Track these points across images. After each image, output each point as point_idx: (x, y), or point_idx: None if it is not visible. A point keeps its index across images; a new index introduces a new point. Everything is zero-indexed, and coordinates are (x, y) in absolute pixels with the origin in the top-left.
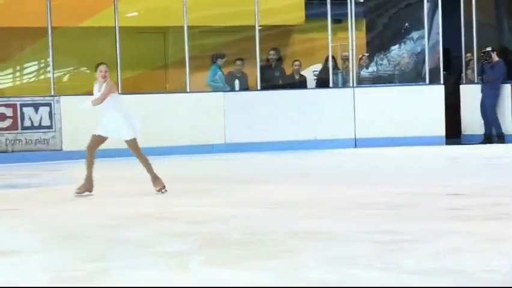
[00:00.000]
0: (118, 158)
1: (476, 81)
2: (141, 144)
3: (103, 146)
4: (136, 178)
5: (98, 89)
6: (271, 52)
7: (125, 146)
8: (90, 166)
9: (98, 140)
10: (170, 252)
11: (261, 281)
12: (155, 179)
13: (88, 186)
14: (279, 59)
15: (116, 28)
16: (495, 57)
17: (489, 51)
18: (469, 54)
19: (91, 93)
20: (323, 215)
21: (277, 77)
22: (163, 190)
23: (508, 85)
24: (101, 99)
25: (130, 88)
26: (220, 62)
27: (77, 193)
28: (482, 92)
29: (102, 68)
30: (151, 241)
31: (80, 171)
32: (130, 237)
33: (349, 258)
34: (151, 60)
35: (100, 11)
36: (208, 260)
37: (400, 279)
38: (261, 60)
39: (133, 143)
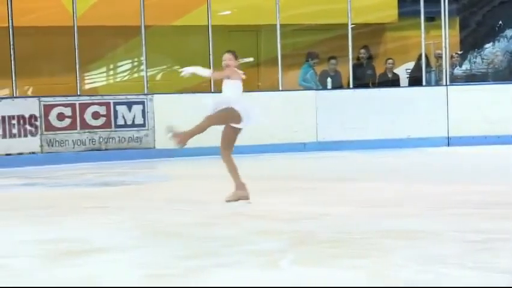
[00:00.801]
0: (203, 156)
1: None
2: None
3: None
4: (229, 176)
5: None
6: (362, 51)
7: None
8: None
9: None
10: (261, 250)
11: (352, 280)
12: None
13: (241, 194)
14: (370, 57)
15: (209, 27)
16: None
17: None
18: None
19: (183, 91)
20: (415, 213)
21: (369, 75)
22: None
23: None
24: (219, 75)
25: None
26: (312, 62)
27: (228, 200)
28: None
29: (225, 57)
30: (243, 239)
31: (173, 168)
32: (222, 235)
33: (441, 257)
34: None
35: (192, 9)
36: (299, 258)
37: (492, 279)
38: (354, 59)
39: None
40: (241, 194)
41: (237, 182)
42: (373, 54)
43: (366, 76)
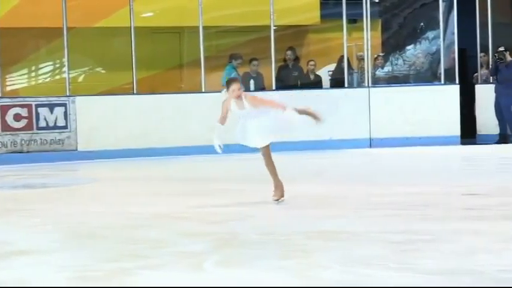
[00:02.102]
0: (126, 158)
1: (491, 81)
2: (157, 144)
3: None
4: (154, 178)
5: (236, 106)
6: (288, 52)
7: (143, 146)
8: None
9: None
10: (186, 252)
11: (275, 281)
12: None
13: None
14: (296, 59)
15: (132, 28)
16: (508, 57)
17: (502, 51)
18: (482, 54)
19: (105, 93)
20: (339, 214)
21: (295, 77)
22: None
23: None
24: (278, 106)
25: (145, 88)
26: (235, 63)
27: (275, 200)
28: (496, 92)
29: (235, 87)
30: (167, 241)
31: (96, 171)
32: (146, 237)
33: (365, 258)
34: (167, 61)
35: (115, 11)
36: (224, 260)
37: (416, 279)
38: (276, 60)
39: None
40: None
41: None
42: (299, 56)
43: (292, 77)
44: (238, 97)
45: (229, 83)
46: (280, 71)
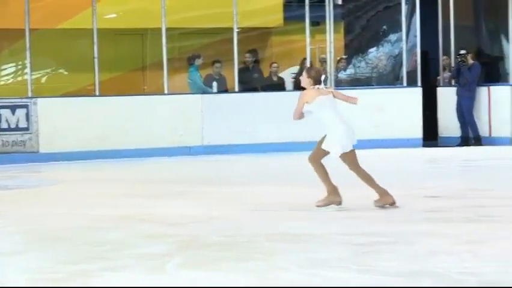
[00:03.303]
0: (99, 160)
1: (453, 84)
2: (119, 146)
3: (84, 148)
4: (118, 179)
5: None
6: (247, 55)
7: (106, 147)
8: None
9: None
10: (148, 254)
11: (237, 283)
12: (382, 194)
13: (332, 198)
14: (256, 61)
15: (95, 30)
16: (470, 60)
17: (464, 53)
18: (444, 57)
19: (68, 95)
20: (302, 217)
21: (255, 79)
22: (387, 205)
23: (485, 88)
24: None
25: (108, 90)
26: (198, 62)
27: (318, 206)
28: (457, 94)
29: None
30: (130, 243)
31: (58, 172)
32: (109, 239)
33: (327, 260)
34: (129, 62)
35: (78, 12)
36: (185, 262)
37: (378, 281)
38: (239, 63)
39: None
40: (333, 198)
41: (329, 187)
42: (260, 59)
43: (253, 80)
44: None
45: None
46: (240, 73)
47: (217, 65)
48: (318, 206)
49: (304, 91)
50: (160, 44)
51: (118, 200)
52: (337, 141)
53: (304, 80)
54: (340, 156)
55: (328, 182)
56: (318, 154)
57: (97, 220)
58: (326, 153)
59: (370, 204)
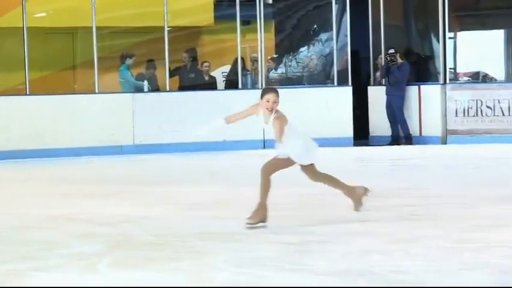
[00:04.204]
0: (30, 159)
1: (383, 83)
2: (50, 145)
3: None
4: (48, 179)
5: (263, 118)
6: (184, 55)
7: (37, 147)
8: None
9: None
10: (80, 253)
11: (169, 283)
12: (350, 192)
13: (262, 215)
14: (194, 60)
15: (24, 29)
16: (399, 59)
17: (393, 53)
18: (380, 56)
19: None
20: (232, 216)
21: (193, 79)
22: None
23: (415, 87)
24: (279, 138)
25: (38, 89)
26: (129, 61)
27: (249, 224)
28: (387, 93)
29: (270, 97)
30: (62, 243)
31: None
32: (39, 239)
33: (259, 259)
34: (60, 61)
35: (7, 11)
36: (117, 261)
37: (310, 280)
38: (171, 61)
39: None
40: (263, 214)
41: (263, 201)
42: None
43: (190, 79)
44: (271, 111)
45: (266, 91)
46: (177, 72)
47: (150, 64)
48: (249, 224)
49: (280, 114)
50: (91, 43)
51: (50, 200)
52: (305, 152)
53: (276, 104)
54: (303, 168)
55: (267, 197)
56: (275, 166)
57: (27, 220)
58: (284, 166)
59: (302, 203)
